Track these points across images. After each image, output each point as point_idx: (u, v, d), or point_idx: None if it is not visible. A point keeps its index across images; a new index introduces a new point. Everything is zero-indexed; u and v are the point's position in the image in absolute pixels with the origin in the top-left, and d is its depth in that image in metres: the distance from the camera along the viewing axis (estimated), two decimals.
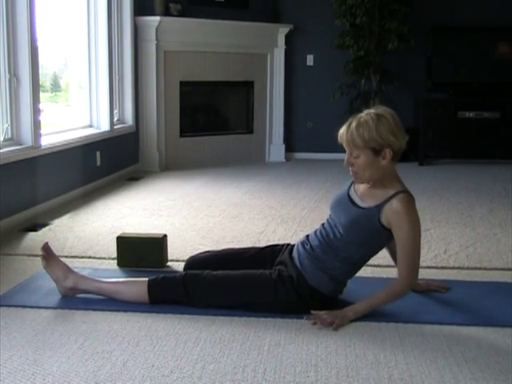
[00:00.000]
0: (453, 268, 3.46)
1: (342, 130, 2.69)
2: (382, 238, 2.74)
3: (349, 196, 2.80)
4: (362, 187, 2.79)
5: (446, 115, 7.51)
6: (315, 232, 2.88)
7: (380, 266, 3.33)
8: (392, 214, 2.65)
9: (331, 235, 2.77)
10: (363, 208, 2.72)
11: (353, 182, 2.84)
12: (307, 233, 2.95)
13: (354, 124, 2.65)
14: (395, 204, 2.65)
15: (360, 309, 2.71)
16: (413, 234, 2.66)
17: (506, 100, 7.51)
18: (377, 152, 2.64)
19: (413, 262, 2.69)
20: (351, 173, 2.74)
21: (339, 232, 2.75)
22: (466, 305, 2.90)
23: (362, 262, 2.83)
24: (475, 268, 3.49)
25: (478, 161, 7.41)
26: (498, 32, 7.63)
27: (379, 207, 2.67)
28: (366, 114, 2.67)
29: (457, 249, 3.82)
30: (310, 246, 2.81)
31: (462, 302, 2.93)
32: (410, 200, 2.67)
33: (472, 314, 2.80)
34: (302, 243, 2.87)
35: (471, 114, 7.51)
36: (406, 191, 2.70)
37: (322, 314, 2.67)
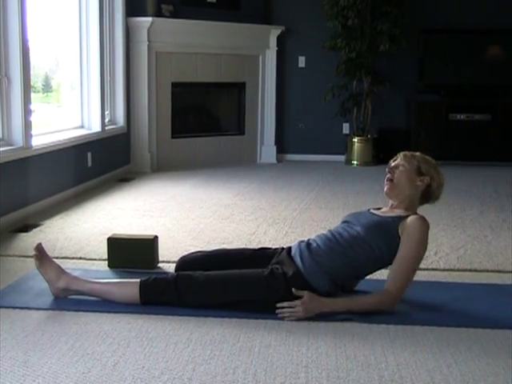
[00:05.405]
0: (443, 270, 3.47)
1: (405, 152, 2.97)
2: (394, 250, 2.77)
3: (369, 211, 2.96)
4: (382, 210, 2.94)
5: (437, 117, 7.54)
6: (323, 234, 2.92)
7: None
8: (408, 224, 2.76)
9: (345, 234, 2.83)
10: (384, 216, 2.86)
11: (369, 209, 2.99)
12: (302, 237, 2.96)
13: (419, 152, 2.97)
14: (414, 219, 2.79)
15: (337, 308, 2.71)
16: (419, 251, 2.77)
17: (497, 102, 7.55)
18: (419, 173, 2.87)
19: (408, 278, 2.75)
20: (386, 181, 2.90)
21: (356, 231, 2.82)
22: (456, 306, 2.91)
23: (364, 270, 2.85)
24: (466, 270, 3.50)
25: (468, 163, 7.43)
26: (490, 34, 7.67)
27: (400, 218, 2.81)
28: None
29: (447, 250, 3.83)
30: (317, 245, 2.84)
31: (452, 303, 2.94)
32: (426, 223, 2.80)
33: (462, 315, 2.81)
34: (306, 243, 2.90)
35: (462, 116, 7.54)
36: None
37: (289, 304, 2.69)
